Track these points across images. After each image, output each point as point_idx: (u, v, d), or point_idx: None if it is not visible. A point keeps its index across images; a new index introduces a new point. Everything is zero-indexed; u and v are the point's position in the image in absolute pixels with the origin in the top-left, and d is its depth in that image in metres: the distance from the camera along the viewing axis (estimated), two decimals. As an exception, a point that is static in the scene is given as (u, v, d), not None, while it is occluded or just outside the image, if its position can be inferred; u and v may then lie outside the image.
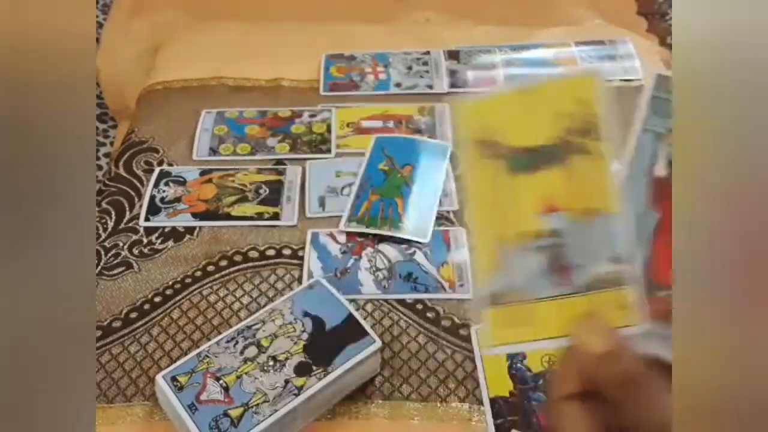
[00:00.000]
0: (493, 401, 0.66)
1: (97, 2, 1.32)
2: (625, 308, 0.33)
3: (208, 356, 0.63)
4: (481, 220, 0.35)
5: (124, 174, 0.92)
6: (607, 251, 0.33)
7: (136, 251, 0.82)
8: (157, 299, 0.77)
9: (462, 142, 0.36)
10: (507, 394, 0.66)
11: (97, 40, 1.25)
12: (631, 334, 0.33)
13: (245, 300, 0.76)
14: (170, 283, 0.78)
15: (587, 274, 0.33)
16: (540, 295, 0.34)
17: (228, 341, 0.65)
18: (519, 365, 0.68)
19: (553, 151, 0.35)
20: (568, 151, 0.34)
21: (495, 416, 0.65)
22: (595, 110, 0.34)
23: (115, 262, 0.81)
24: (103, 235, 0.84)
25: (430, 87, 1.07)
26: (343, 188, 0.89)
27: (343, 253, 0.81)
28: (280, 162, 0.94)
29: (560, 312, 0.34)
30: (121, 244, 0.83)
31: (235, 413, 0.59)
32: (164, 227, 0.85)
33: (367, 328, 0.66)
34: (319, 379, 0.62)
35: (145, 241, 0.83)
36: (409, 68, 1.10)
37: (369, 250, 0.81)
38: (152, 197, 0.88)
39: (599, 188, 0.34)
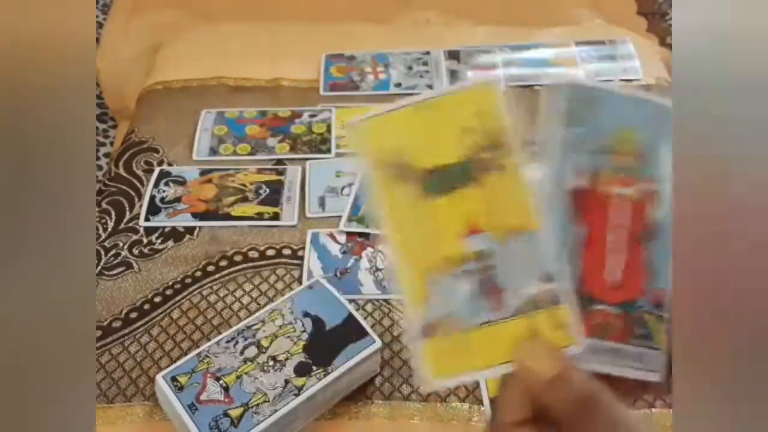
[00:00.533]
0: (493, 401, 0.66)
1: (97, 2, 1.32)
2: (563, 327, 0.32)
3: (208, 356, 0.63)
4: (403, 249, 0.33)
5: (124, 174, 0.92)
6: (536, 270, 0.32)
7: (136, 251, 0.82)
8: (157, 299, 0.77)
9: (366, 165, 0.34)
10: None
11: (97, 40, 1.25)
12: (573, 353, 0.32)
13: (245, 300, 0.76)
14: (170, 283, 0.78)
15: (520, 295, 0.32)
16: (475, 321, 0.32)
17: (228, 341, 0.65)
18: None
19: (464, 169, 0.33)
20: (480, 168, 0.33)
21: None
22: (499, 123, 0.34)
23: (115, 262, 0.81)
24: (103, 235, 0.84)
25: (431, 87, 1.07)
26: (343, 188, 0.89)
27: (343, 253, 0.81)
28: (280, 162, 0.94)
29: (499, 337, 0.32)
30: (121, 244, 0.83)
31: (235, 413, 0.59)
32: (164, 227, 0.85)
33: (367, 328, 0.66)
34: (319, 379, 0.62)
35: (145, 241, 0.83)
36: (410, 68, 1.10)
37: (369, 250, 0.81)
38: (152, 197, 0.88)
39: (519, 205, 0.33)
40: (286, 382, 0.61)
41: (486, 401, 0.66)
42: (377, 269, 0.79)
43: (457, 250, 0.33)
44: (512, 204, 0.33)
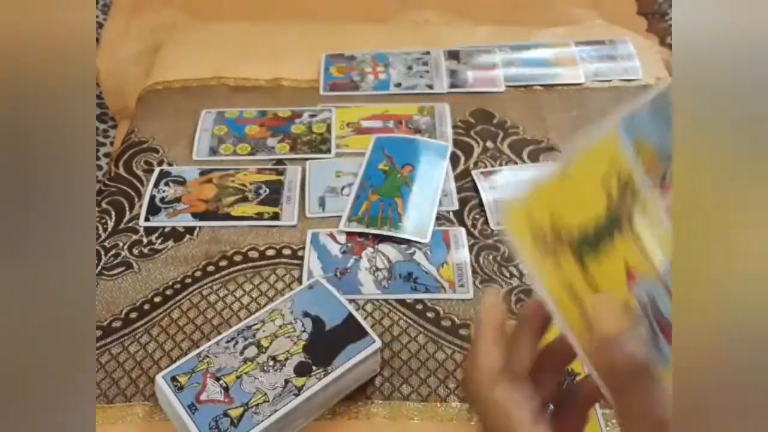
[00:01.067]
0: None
1: (98, 2, 1.32)
2: None
3: (208, 356, 0.63)
4: (572, 323, 0.34)
5: (124, 174, 0.92)
6: None
7: (136, 251, 0.82)
8: (157, 299, 0.77)
9: (522, 248, 0.35)
10: None
11: (98, 40, 1.25)
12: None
13: (245, 300, 0.76)
14: (170, 283, 0.78)
15: None
16: (662, 365, 0.32)
17: (228, 341, 0.65)
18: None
19: (611, 222, 0.33)
20: (624, 216, 0.33)
21: None
22: (628, 166, 0.33)
23: (115, 262, 0.81)
24: (103, 235, 0.84)
25: (430, 87, 1.07)
26: (343, 188, 0.89)
27: (343, 253, 0.81)
28: (280, 162, 0.94)
29: None
30: (121, 244, 0.83)
31: (235, 413, 0.59)
32: (164, 227, 0.85)
33: (367, 328, 0.66)
34: (319, 379, 0.62)
35: (145, 241, 0.83)
36: (409, 68, 1.10)
37: (369, 250, 0.81)
38: (152, 197, 0.88)
39: (664, 239, 0.32)
40: (286, 382, 0.61)
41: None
42: (377, 269, 0.79)
43: (626, 302, 0.32)
44: (658, 240, 0.32)
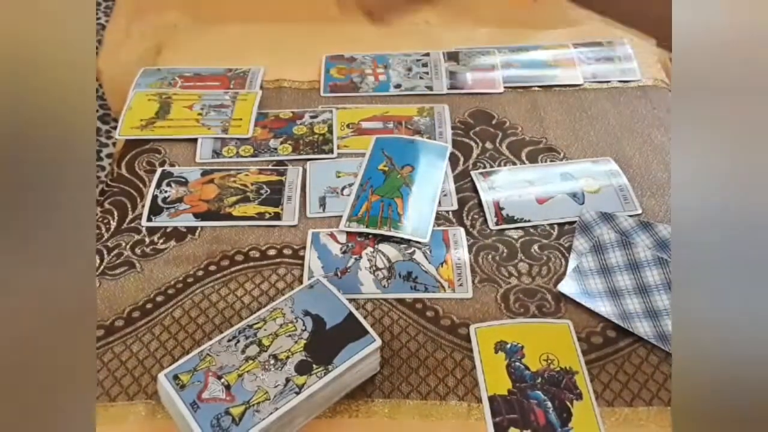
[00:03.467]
0: (491, 399, 0.67)
1: (100, 4, 1.32)
2: None
3: (209, 355, 0.64)
4: None
5: (127, 175, 0.93)
6: None
7: (138, 251, 0.83)
8: (159, 298, 0.77)
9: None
10: (505, 393, 0.67)
11: (100, 41, 1.26)
12: None
13: (246, 299, 0.77)
14: (172, 282, 0.79)
15: None
16: None
17: (229, 340, 0.65)
18: (517, 363, 0.69)
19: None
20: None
21: (494, 414, 0.66)
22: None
23: (117, 261, 0.81)
24: (106, 235, 0.84)
25: (430, 88, 1.08)
26: (343, 189, 0.90)
27: (344, 252, 0.82)
28: (280, 163, 0.95)
29: None
30: (123, 244, 0.83)
31: (236, 411, 0.60)
32: (166, 227, 0.86)
33: (367, 327, 0.66)
34: (320, 377, 0.62)
35: (147, 241, 0.84)
36: (409, 70, 1.11)
37: (369, 249, 0.82)
38: (154, 197, 0.89)
39: None
40: (287, 380, 0.62)
41: (485, 399, 0.67)
42: (377, 269, 0.80)
43: None
44: None
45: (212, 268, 0.81)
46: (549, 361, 0.69)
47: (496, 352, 0.70)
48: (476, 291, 0.78)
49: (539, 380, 0.67)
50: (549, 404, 0.66)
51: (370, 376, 0.69)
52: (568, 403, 0.65)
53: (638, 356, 0.71)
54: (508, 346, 0.70)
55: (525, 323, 0.73)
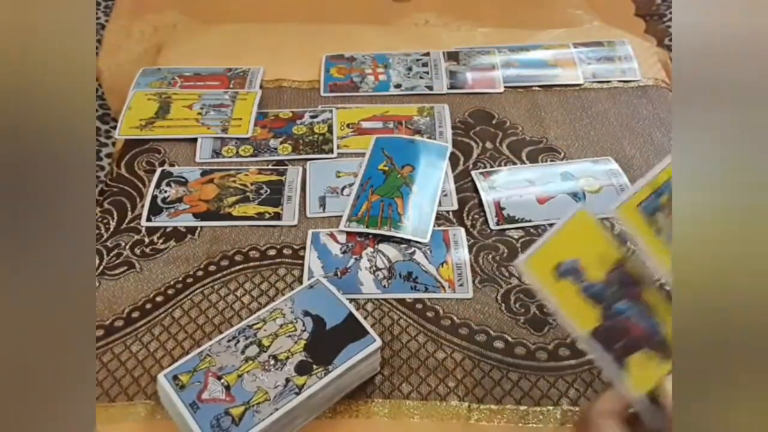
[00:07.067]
0: (595, 334, 0.52)
1: (99, 3, 1.32)
2: None
3: (209, 355, 0.64)
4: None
5: (126, 174, 0.93)
6: None
7: (137, 251, 0.83)
8: (159, 299, 0.77)
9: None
10: (599, 323, 0.53)
11: (100, 41, 1.26)
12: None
13: (246, 299, 0.77)
14: (172, 282, 0.79)
15: None
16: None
17: (229, 340, 0.65)
18: (586, 283, 0.53)
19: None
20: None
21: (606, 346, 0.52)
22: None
23: (117, 262, 0.81)
24: (105, 235, 0.84)
25: (430, 88, 1.08)
26: (343, 188, 0.90)
27: (344, 252, 0.82)
28: (280, 162, 0.95)
29: None
30: (123, 244, 0.83)
31: (236, 412, 0.60)
32: (166, 227, 0.85)
33: (367, 327, 0.66)
34: (320, 378, 0.62)
35: (146, 241, 0.84)
36: (409, 69, 1.11)
37: (369, 249, 0.82)
38: (154, 197, 0.89)
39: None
40: (287, 380, 0.62)
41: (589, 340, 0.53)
42: (377, 269, 0.80)
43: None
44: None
45: (212, 268, 0.80)
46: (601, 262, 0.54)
47: (559, 279, 0.54)
48: (477, 291, 0.78)
49: (613, 289, 0.54)
50: (635, 309, 0.53)
51: (371, 377, 0.69)
52: (642, 296, 0.53)
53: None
54: (563, 266, 0.54)
55: (550, 238, 0.55)
